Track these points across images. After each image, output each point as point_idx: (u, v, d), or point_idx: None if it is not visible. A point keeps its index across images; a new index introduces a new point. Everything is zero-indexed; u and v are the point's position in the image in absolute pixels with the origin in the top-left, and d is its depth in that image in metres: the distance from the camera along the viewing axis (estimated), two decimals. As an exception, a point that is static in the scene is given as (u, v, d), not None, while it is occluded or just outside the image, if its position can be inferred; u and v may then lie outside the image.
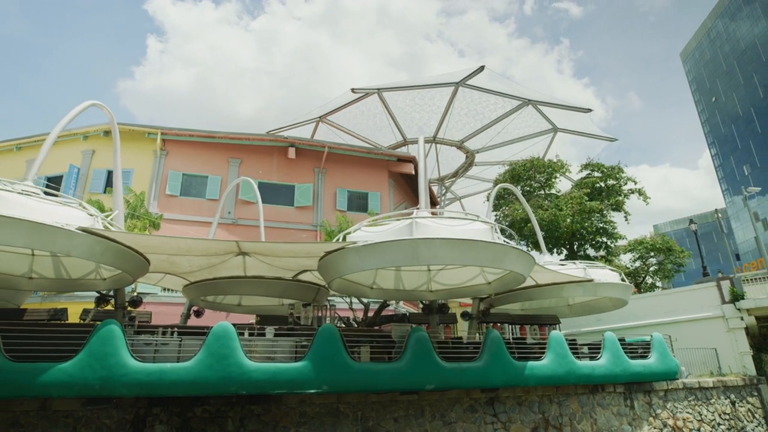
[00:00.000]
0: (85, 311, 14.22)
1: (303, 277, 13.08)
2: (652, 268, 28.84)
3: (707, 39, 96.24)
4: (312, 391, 9.20)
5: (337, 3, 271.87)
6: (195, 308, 14.56)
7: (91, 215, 9.33)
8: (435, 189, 38.20)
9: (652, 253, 28.11)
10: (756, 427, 14.41)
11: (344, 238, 10.70)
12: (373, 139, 34.68)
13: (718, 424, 13.60)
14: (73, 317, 13.29)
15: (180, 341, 9.70)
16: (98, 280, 11.68)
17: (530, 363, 11.40)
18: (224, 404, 9.81)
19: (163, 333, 10.17)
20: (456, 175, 37.64)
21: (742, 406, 14.42)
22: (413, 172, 24.78)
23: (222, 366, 8.71)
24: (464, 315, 14.92)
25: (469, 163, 37.17)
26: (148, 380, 8.38)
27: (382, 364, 9.88)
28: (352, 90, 29.12)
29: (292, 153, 22.50)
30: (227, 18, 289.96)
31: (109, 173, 21.15)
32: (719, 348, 16.63)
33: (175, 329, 10.30)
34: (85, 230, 8.46)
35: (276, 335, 10.37)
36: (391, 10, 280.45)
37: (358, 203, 23.49)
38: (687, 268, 29.89)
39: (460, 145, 35.28)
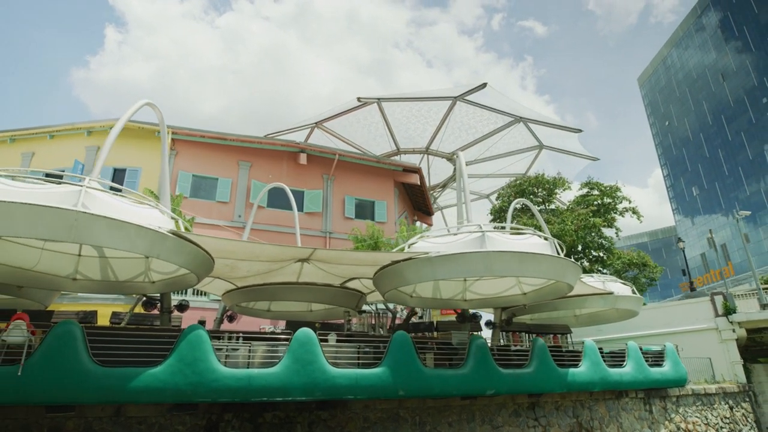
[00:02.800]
0: (115, 314, 13.86)
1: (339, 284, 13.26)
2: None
3: (663, 66, 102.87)
4: (390, 396, 9.45)
5: (307, 5, 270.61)
6: (229, 313, 14.43)
7: (172, 218, 9.23)
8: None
9: (629, 268, 29.90)
10: (749, 430, 15.80)
11: (403, 249, 11.02)
12: (365, 147, 35.02)
13: (721, 428, 14.85)
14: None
15: (250, 347, 9.72)
16: (147, 282, 11.41)
17: (571, 370, 12.09)
18: (293, 410, 9.88)
19: (229, 338, 10.13)
20: (444, 186, 38.52)
21: (738, 411, 15.79)
22: (418, 183, 25.34)
23: (307, 371, 8.83)
24: (488, 323, 15.54)
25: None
26: (237, 385, 8.39)
27: (449, 370, 10.27)
28: (358, 99, 29.44)
29: (303, 159, 22.54)
30: (192, 13, 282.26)
31: (115, 171, 20.44)
32: (712, 357, 18.08)
33: (240, 335, 10.27)
34: (175, 233, 8.41)
35: (339, 341, 10.54)
36: (361, 16, 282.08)
37: (365, 211, 23.76)
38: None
39: (450, 157, 36.20)
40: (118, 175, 20.50)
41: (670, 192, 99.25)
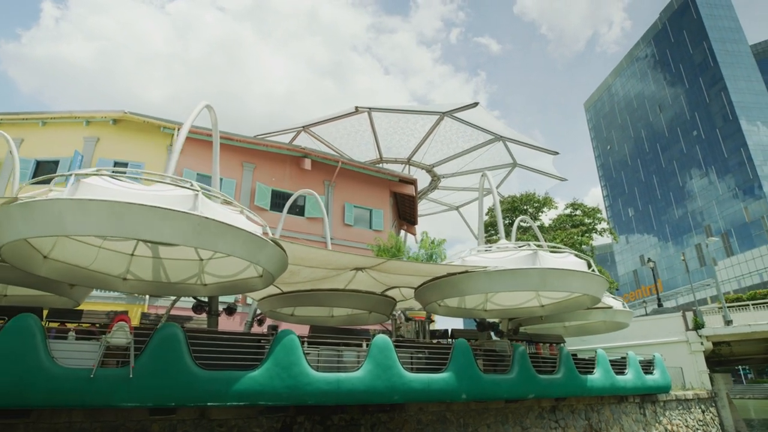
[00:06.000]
0: (144, 315, 13.60)
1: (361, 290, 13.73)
2: None
3: (607, 94, 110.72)
4: (455, 399, 10.13)
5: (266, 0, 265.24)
6: (259, 316, 14.50)
7: (260, 224, 9.43)
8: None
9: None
10: (716, 431, 17.90)
11: (435, 261, 11.79)
12: (350, 154, 35.45)
13: (696, 429, 16.74)
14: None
15: (318, 351, 10.05)
16: (199, 285, 11.39)
17: (588, 376, 13.32)
18: (358, 412, 10.31)
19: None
20: (420, 197, 39.67)
21: (708, 414, 17.84)
22: (413, 194, 26.18)
23: (387, 376, 9.34)
24: (499, 333, 16.58)
25: (433, 188, 39.46)
26: (328, 389, 8.76)
27: (499, 375, 11.11)
28: (356, 108, 29.88)
29: (307, 164, 22.73)
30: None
31: (116, 165, 19.70)
32: (683, 367, 20.22)
33: (305, 339, 10.54)
34: (274, 241, 8.69)
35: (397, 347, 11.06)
36: (321, 16, 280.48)
37: (363, 219, 24.28)
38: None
39: (429, 169, 37.40)
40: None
41: (608, 211, 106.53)
